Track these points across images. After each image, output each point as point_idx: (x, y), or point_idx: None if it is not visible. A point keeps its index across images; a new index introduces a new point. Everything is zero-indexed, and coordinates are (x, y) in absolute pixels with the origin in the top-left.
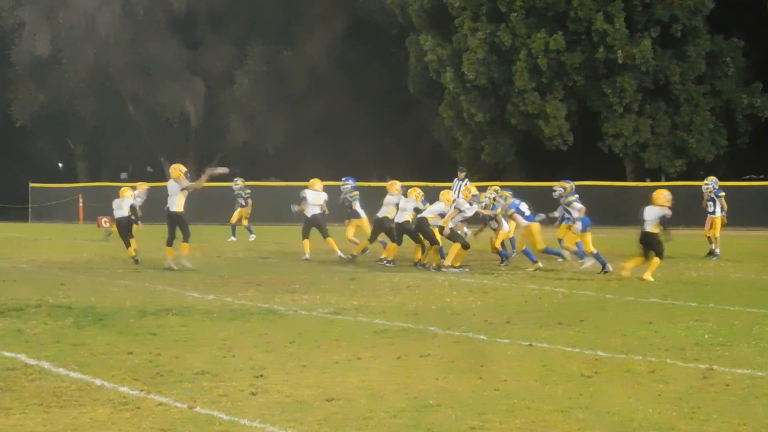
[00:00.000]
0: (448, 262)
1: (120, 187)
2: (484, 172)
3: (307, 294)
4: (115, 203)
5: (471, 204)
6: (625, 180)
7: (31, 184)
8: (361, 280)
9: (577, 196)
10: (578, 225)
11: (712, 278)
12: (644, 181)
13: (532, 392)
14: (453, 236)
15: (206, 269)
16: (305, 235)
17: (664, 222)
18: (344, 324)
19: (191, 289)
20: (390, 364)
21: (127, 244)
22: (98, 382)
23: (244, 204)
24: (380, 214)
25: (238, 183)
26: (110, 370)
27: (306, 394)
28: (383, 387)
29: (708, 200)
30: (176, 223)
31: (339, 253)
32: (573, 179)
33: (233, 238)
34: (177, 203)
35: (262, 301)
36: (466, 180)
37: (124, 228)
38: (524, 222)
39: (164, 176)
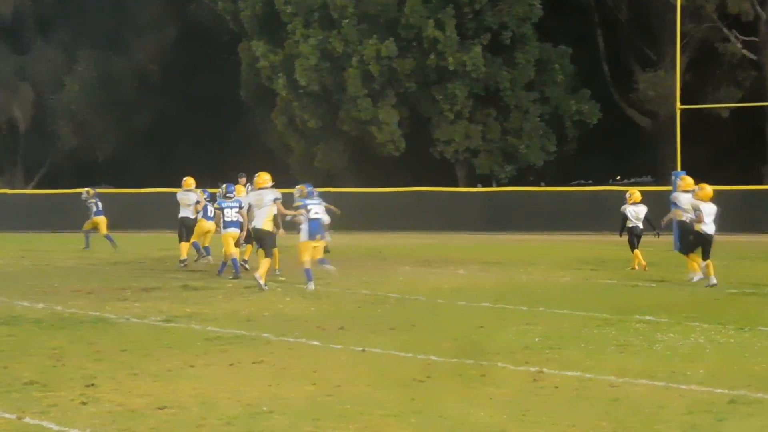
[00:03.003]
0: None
1: None
2: (316, 179)
3: (138, 302)
4: None
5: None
6: (457, 185)
7: None
8: (194, 287)
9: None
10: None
11: (542, 282)
12: (476, 186)
13: (365, 397)
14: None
15: (36, 278)
16: None
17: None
18: (176, 331)
19: (20, 298)
20: (223, 372)
21: None
22: None
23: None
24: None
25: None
26: None
27: (137, 403)
28: (216, 394)
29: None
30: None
31: None
32: (405, 185)
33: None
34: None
35: (92, 309)
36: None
37: None
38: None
39: None
